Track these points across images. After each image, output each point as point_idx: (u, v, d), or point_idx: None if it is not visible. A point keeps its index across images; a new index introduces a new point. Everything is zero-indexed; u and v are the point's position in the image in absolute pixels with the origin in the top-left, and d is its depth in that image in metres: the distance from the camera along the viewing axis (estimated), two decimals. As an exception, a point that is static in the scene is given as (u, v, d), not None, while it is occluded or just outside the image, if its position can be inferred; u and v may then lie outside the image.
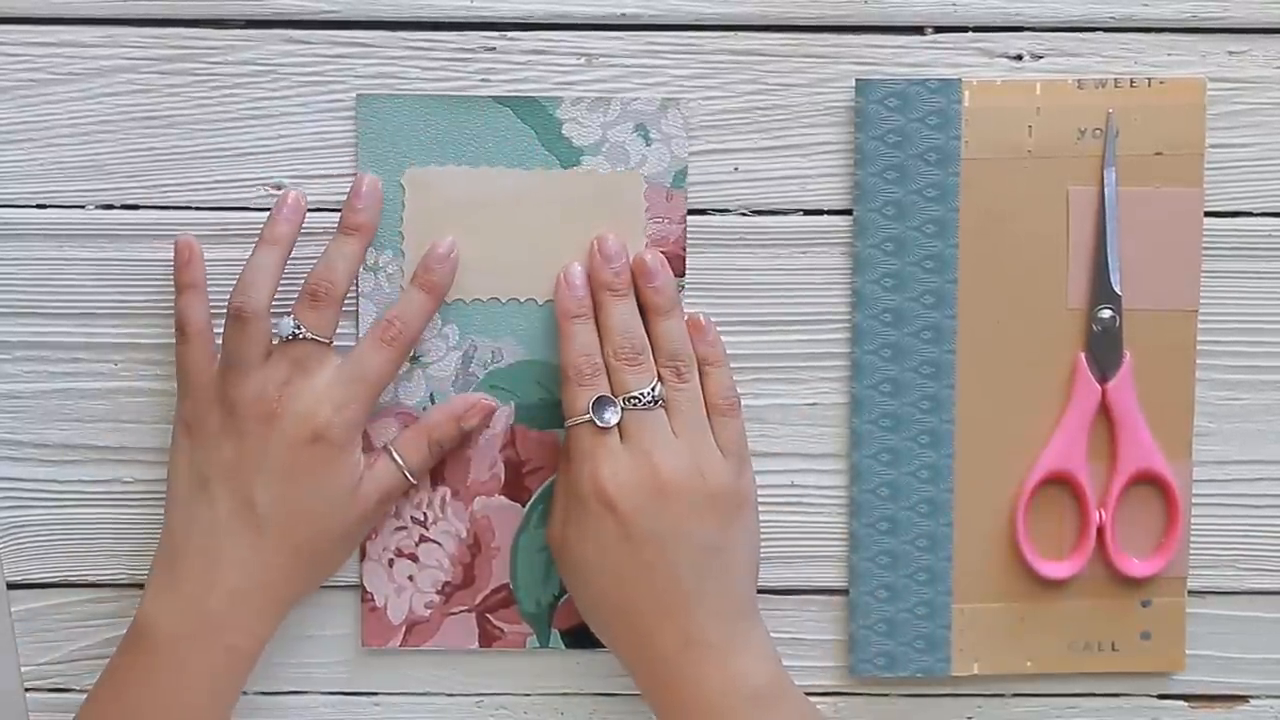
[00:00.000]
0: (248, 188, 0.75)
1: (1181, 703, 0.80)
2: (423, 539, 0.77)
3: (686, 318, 0.75)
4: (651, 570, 0.70)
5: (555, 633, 0.78)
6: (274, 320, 0.72)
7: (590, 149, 0.75)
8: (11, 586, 0.78)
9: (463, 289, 0.76)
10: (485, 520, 0.77)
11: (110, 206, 0.75)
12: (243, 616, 0.71)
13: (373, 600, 0.78)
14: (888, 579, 0.77)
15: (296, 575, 0.73)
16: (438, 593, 0.78)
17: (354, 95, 0.75)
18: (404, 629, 0.78)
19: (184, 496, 0.73)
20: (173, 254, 0.74)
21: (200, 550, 0.72)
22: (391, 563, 0.77)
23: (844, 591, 0.78)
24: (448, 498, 0.77)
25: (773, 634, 0.74)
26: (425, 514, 0.77)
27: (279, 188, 0.75)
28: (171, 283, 0.75)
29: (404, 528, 0.77)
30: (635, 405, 0.71)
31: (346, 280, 0.73)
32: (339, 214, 0.75)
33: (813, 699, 0.78)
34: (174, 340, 0.74)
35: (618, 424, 0.71)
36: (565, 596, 0.77)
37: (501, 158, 0.75)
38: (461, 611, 0.78)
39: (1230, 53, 0.75)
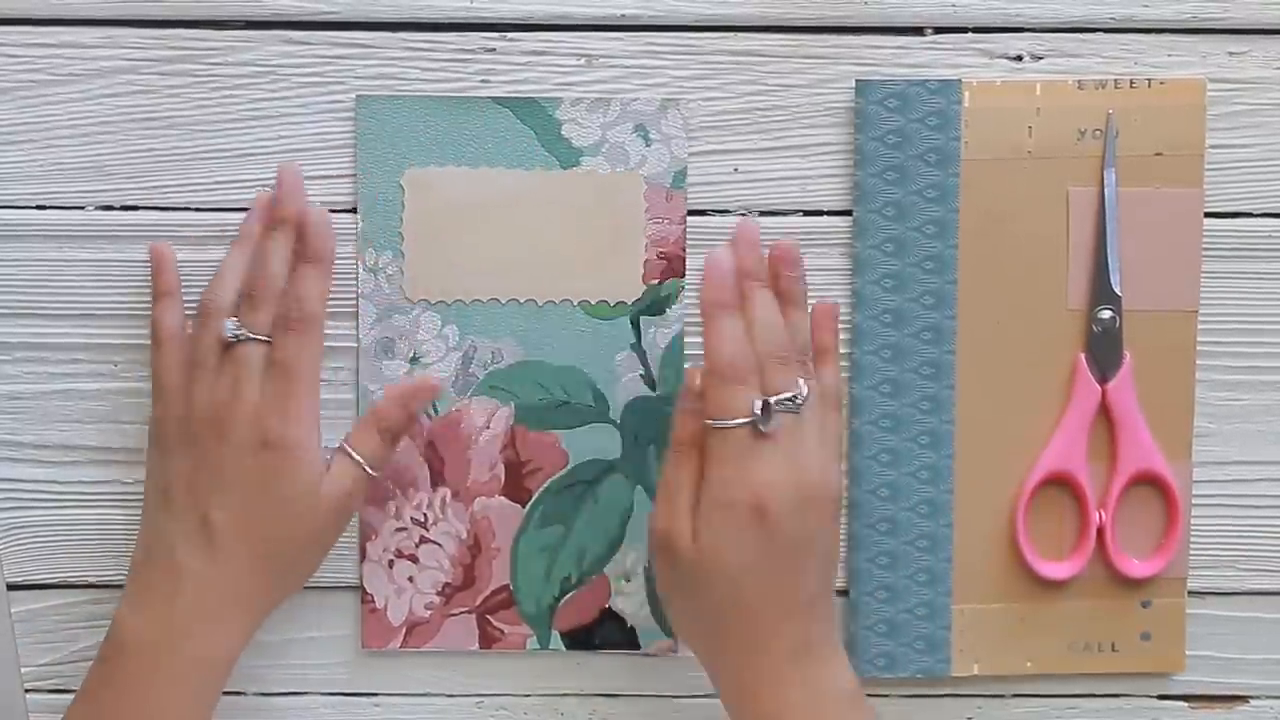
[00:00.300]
0: (248, 188, 0.75)
1: (1181, 703, 0.80)
2: (423, 540, 0.77)
3: (818, 304, 0.74)
4: (785, 575, 0.68)
5: (555, 634, 0.78)
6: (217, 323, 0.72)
7: (590, 150, 0.75)
8: (11, 587, 0.78)
9: (463, 290, 0.76)
10: (485, 521, 0.77)
11: (110, 207, 0.75)
12: (208, 627, 0.70)
13: (373, 601, 0.78)
14: (888, 580, 0.77)
15: (263, 584, 0.72)
16: (438, 594, 0.78)
17: (354, 96, 0.75)
18: (404, 630, 0.78)
19: (150, 506, 0.73)
20: (150, 259, 0.74)
21: (162, 561, 0.71)
22: (391, 564, 0.77)
23: (844, 592, 0.78)
24: (448, 499, 0.77)
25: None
26: (425, 515, 0.77)
27: (279, 188, 0.75)
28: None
29: (404, 529, 0.77)
30: (789, 407, 0.68)
31: (283, 277, 0.72)
32: (338, 214, 0.75)
33: (813, 699, 0.78)
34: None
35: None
36: (566, 597, 0.77)
37: (501, 158, 0.75)
38: (462, 613, 0.78)
39: (1230, 53, 0.75)
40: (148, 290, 0.76)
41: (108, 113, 0.75)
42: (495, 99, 0.75)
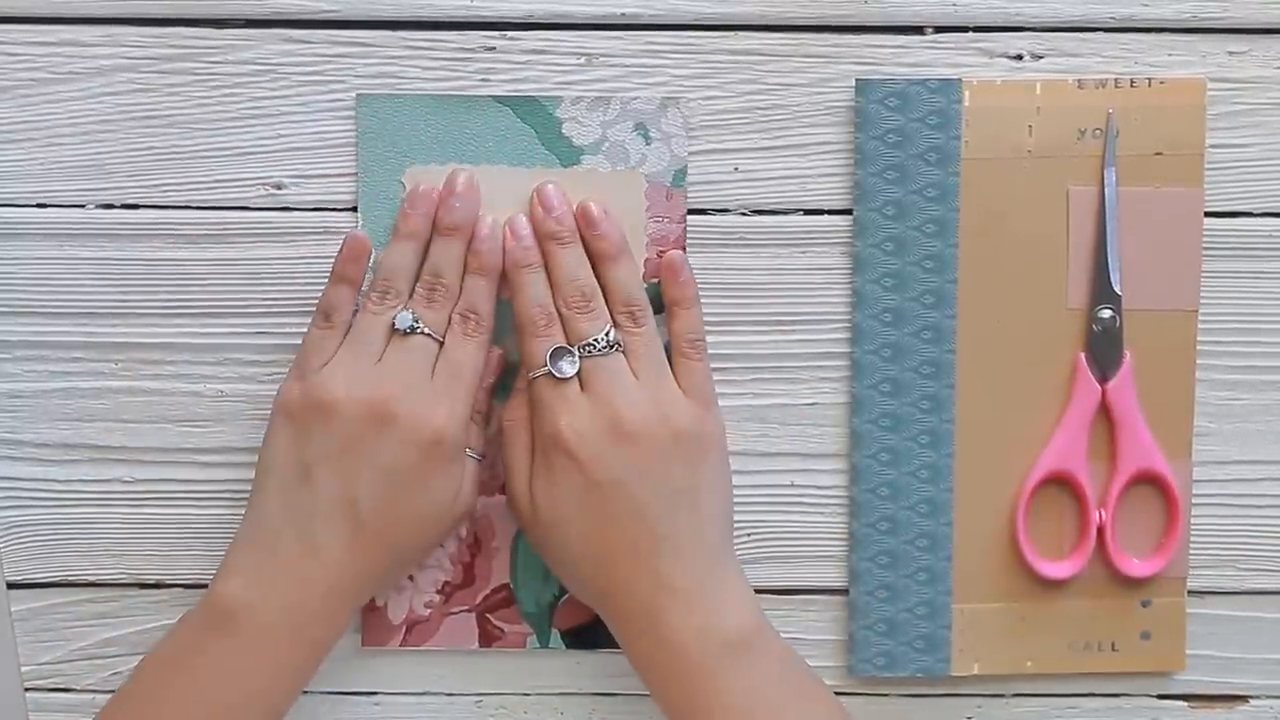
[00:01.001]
0: (248, 187, 0.75)
1: (1181, 703, 0.80)
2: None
3: (663, 257, 0.74)
4: (620, 517, 0.69)
5: (555, 633, 0.78)
6: (394, 312, 0.72)
7: (590, 148, 0.75)
8: (11, 586, 0.78)
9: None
10: (485, 520, 0.77)
11: (110, 206, 0.75)
12: (334, 612, 0.71)
13: (373, 600, 0.78)
14: (888, 579, 0.77)
15: (389, 573, 0.73)
16: (438, 592, 0.78)
17: (354, 95, 0.75)
18: (404, 629, 0.78)
19: (283, 483, 0.71)
20: (342, 244, 0.73)
21: (297, 541, 0.70)
22: None
23: (844, 591, 0.78)
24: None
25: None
26: None
27: (279, 187, 0.75)
28: (170, 280, 0.75)
29: None
30: (591, 352, 0.71)
31: (459, 280, 0.73)
32: (338, 213, 0.75)
33: (813, 699, 0.78)
34: (194, 340, 0.75)
35: (576, 374, 0.71)
36: (566, 596, 0.77)
37: (502, 157, 0.75)
38: (462, 611, 0.78)
39: (1230, 53, 0.75)
40: (148, 289, 0.76)
41: (108, 111, 0.75)
42: (496, 98, 0.75)
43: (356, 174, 0.75)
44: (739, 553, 0.76)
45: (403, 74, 0.75)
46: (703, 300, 0.76)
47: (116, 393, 0.77)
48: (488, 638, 0.78)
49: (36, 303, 0.76)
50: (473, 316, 0.72)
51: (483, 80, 0.75)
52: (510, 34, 0.75)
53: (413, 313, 0.72)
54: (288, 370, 0.74)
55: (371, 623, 0.78)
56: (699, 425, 0.72)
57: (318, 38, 0.74)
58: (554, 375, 0.71)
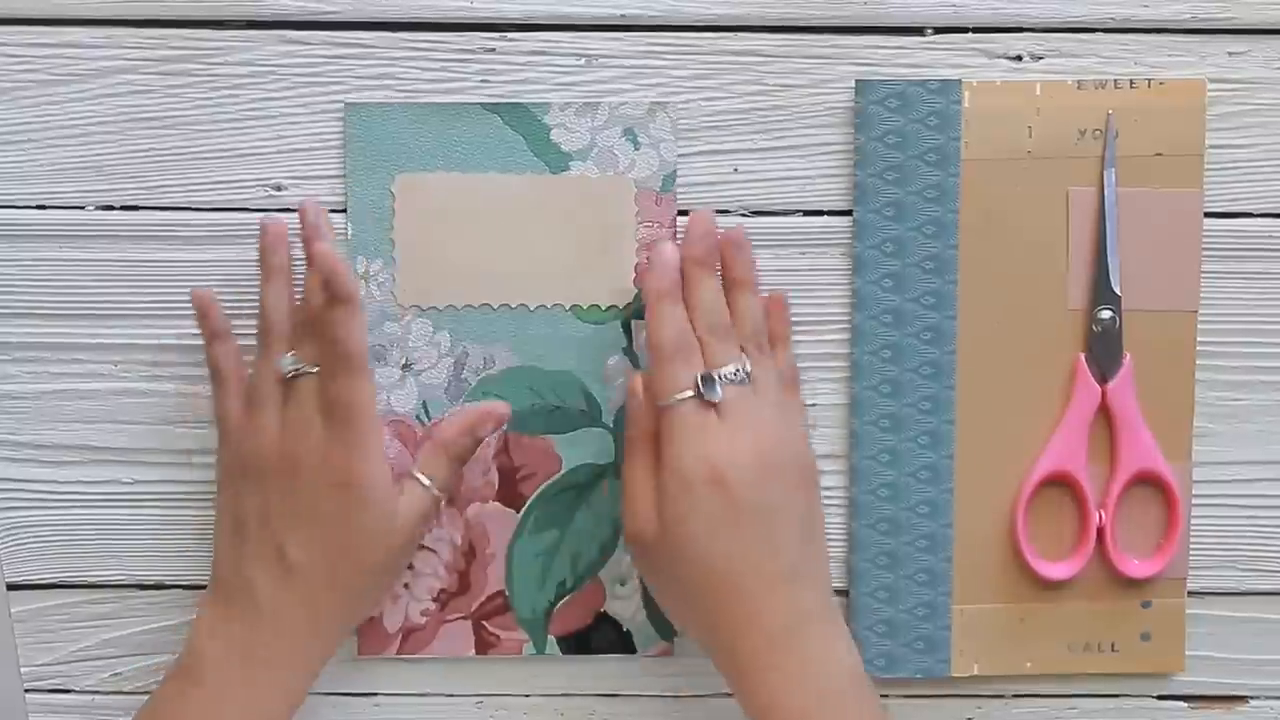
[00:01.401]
0: (247, 188, 0.75)
1: (1181, 703, 0.80)
2: (421, 546, 0.77)
3: (769, 295, 0.75)
4: (759, 545, 0.69)
5: (551, 639, 0.78)
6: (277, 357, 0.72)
7: (579, 154, 0.75)
8: (11, 587, 0.78)
9: (454, 295, 0.76)
10: (480, 527, 0.77)
11: (110, 207, 0.75)
12: (288, 655, 0.71)
13: None
14: (888, 580, 0.77)
15: (340, 611, 0.72)
16: (433, 600, 0.78)
17: (353, 95, 0.75)
18: (400, 637, 0.78)
19: (224, 539, 0.73)
20: (195, 307, 0.74)
21: (241, 592, 0.71)
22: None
23: (844, 592, 0.78)
24: (442, 505, 0.77)
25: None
26: None
27: (279, 188, 0.75)
28: (170, 281, 0.75)
29: None
30: (731, 381, 0.70)
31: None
32: (337, 214, 0.75)
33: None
34: (194, 340, 0.75)
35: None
36: (561, 602, 0.77)
37: (491, 164, 0.75)
38: (457, 619, 0.78)
39: (1230, 54, 0.75)
40: (147, 289, 0.76)
41: (107, 113, 0.75)
42: (484, 105, 0.75)
43: (345, 182, 0.75)
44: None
45: (402, 75, 0.75)
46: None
47: (116, 394, 0.77)
48: (484, 644, 0.78)
49: (36, 303, 0.76)
50: (337, 350, 0.69)
51: (482, 81, 0.75)
52: (510, 35, 0.75)
53: (292, 355, 0.71)
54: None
55: (367, 631, 0.78)
56: (813, 456, 0.73)
57: (317, 39, 0.74)
58: (698, 401, 0.69)
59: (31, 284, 0.76)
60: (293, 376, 0.71)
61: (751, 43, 0.75)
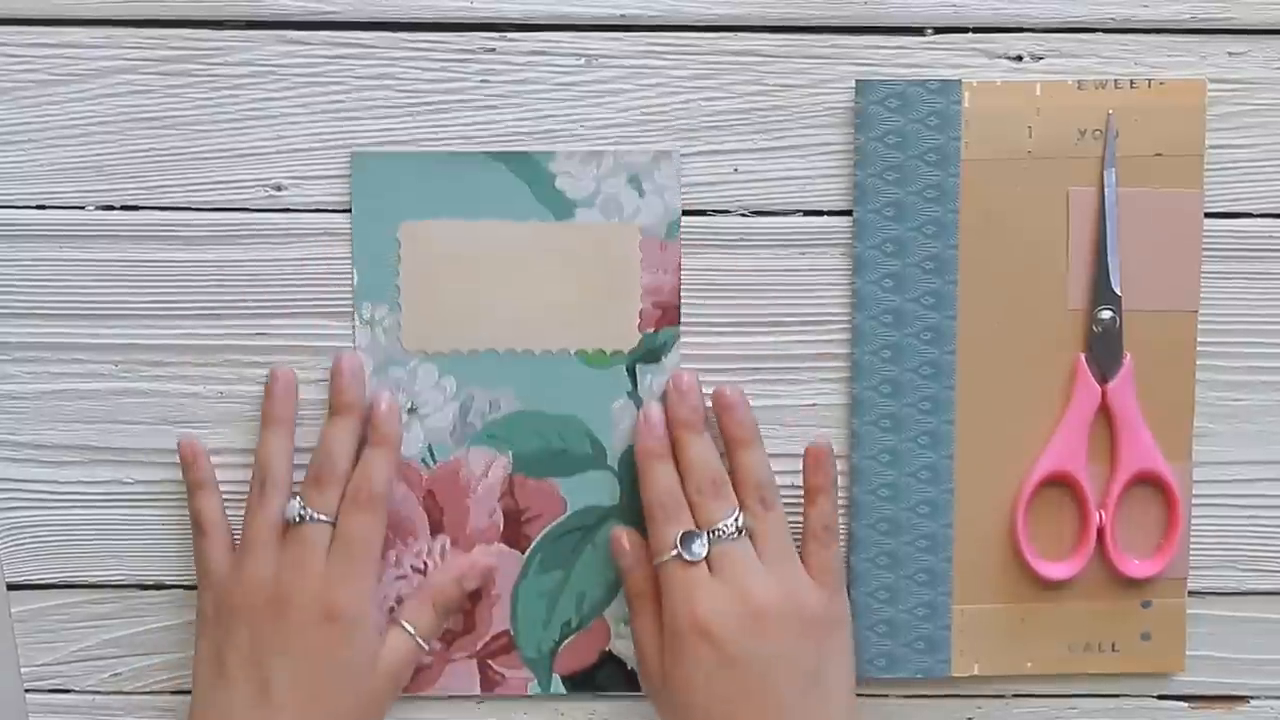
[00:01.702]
0: (248, 188, 0.75)
1: (1181, 703, 0.80)
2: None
3: (809, 447, 0.76)
4: (753, 696, 0.70)
5: (556, 677, 0.78)
6: (278, 503, 0.73)
7: (584, 201, 0.75)
8: (11, 587, 0.78)
9: (460, 340, 0.76)
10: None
11: (110, 207, 0.75)
12: None
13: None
14: (888, 580, 0.77)
15: None
16: (439, 639, 0.78)
17: (353, 95, 0.75)
18: None
19: (203, 679, 0.73)
20: (178, 454, 0.75)
21: (211, 700, 0.72)
22: (393, 610, 0.77)
23: (844, 592, 0.78)
24: (447, 546, 0.77)
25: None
26: (425, 562, 0.77)
27: (279, 188, 0.75)
28: (170, 281, 0.75)
29: (404, 576, 0.77)
30: (721, 537, 0.72)
31: (347, 459, 0.74)
32: (337, 214, 0.75)
33: (813, 700, 0.78)
34: (195, 340, 0.76)
35: (706, 557, 0.72)
36: (566, 641, 0.78)
37: (496, 211, 0.75)
38: (462, 658, 0.78)
39: (1230, 54, 0.75)
40: (148, 289, 0.76)
41: (108, 113, 0.75)
42: (489, 154, 0.75)
43: (351, 231, 0.75)
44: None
45: (402, 75, 0.74)
46: (703, 301, 0.76)
47: (117, 394, 0.77)
48: (489, 683, 0.78)
49: (36, 303, 0.76)
50: (365, 486, 0.73)
51: (483, 81, 0.75)
52: (510, 35, 0.75)
53: (299, 500, 0.73)
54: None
55: None
56: (826, 609, 0.73)
57: (317, 39, 0.74)
58: (683, 559, 0.72)
59: (31, 284, 0.76)
60: (297, 522, 0.73)
61: (751, 43, 0.75)
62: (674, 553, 0.72)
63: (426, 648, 0.75)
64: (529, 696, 0.79)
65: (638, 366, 0.77)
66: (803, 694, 0.71)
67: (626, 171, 0.75)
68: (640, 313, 0.76)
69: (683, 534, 0.72)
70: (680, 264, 0.76)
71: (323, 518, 0.72)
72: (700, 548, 0.72)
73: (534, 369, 0.76)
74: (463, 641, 0.78)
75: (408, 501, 0.77)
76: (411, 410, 0.76)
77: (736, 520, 0.73)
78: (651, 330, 0.76)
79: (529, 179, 0.75)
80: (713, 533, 0.72)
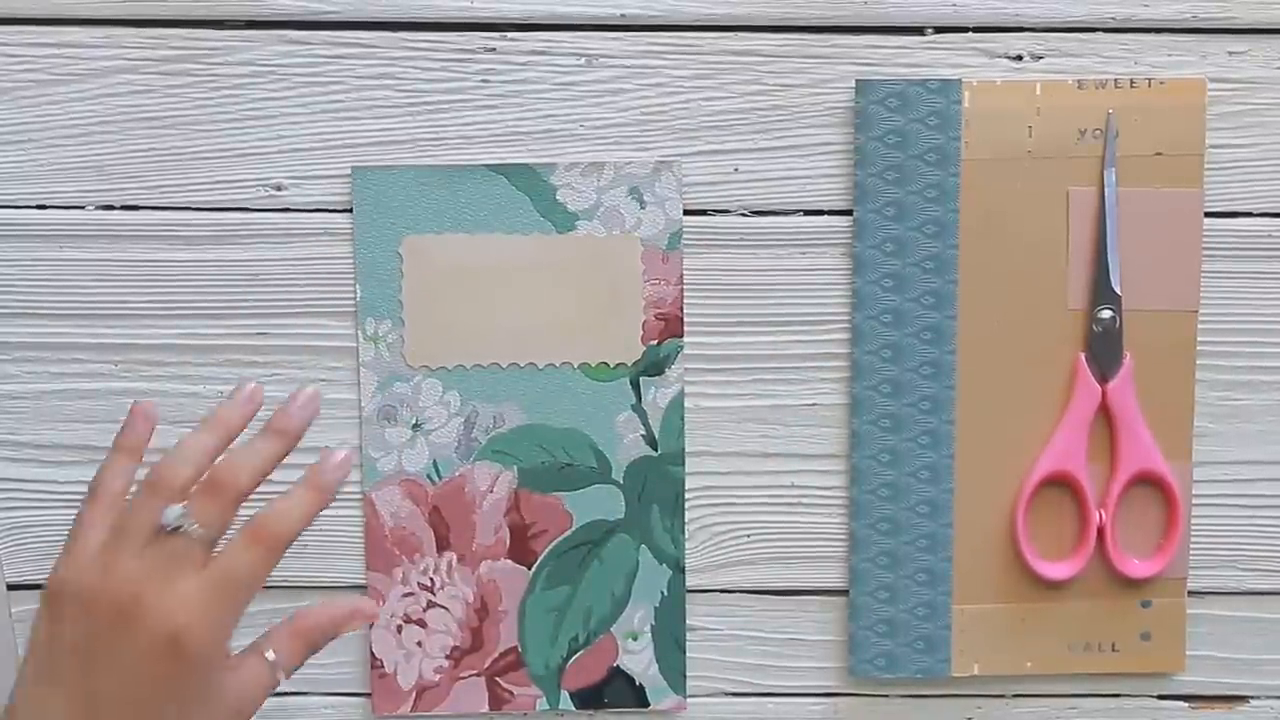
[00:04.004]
0: (248, 188, 0.75)
1: (1182, 703, 0.80)
2: (430, 604, 0.77)
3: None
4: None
5: (565, 694, 0.78)
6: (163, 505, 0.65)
7: (585, 214, 0.75)
8: (11, 587, 0.78)
9: (463, 355, 0.76)
10: (492, 584, 0.77)
11: (110, 207, 0.75)
12: None
13: (382, 666, 0.78)
14: (888, 580, 0.77)
15: None
16: (447, 657, 0.78)
17: (353, 95, 0.75)
18: (414, 694, 0.78)
19: (31, 671, 0.65)
20: (128, 415, 0.68)
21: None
22: (400, 629, 0.77)
23: (844, 592, 0.78)
24: (454, 563, 0.77)
25: (773, 634, 0.74)
26: (432, 580, 0.77)
27: (279, 188, 0.75)
28: (170, 281, 0.75)
29: (411, 594, 0.77)
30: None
31: (252, 483, 0.65)
32: (337, 214, 0.75)
33: (812, 699, 0.78)
34: (195, 340, 0.75)
35: None
36: (574, 657, 0.78)
37: (498, 224, 0.75)
38: (471, 675, 0.78)
39: (1230, 53, 0.75)
40: (148, 289, 0.76)
41: (108, 113, 0.75)
42: (490, 167, 0.75)
43: (353, 246, 0.75)
44: (739, 554, 0.76)
45: (402, 75, 0.75)
46: (704, 301, 0.76)
47: (116, 394, 0.76)
48: (497, 701, 0.78)
49: (36, 303, 0.76)
50: (271, 527, 0.64)
51: (483, 81, 0.75)
52: (510, 35, 0.75)
53: (184, 507, 0.64)
54: (290, 371, 0.75)
55: (381, 689, 0.78)
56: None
57: (317, 39, 0.74)
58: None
59: (31, 284, 0.76)
60: (172, 531, 0.64)
61: (751, 43, 0.75)
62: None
63: (284, 679, 0.66)
64: (537, 714, 0.79)
65: (641, 379, 0.77)
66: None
67: (627, 183, 0.75)
68: (643, 325, 0.76)
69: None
70: (683, 276, 0.76)
71: (202, 532, 0.63)
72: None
73: (538, 383, 0.76)
74: (471, 659, 0.78)
75: (414, 518, 0.77)
76: (416, 426, 0.76)
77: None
78: (655, 342, 0.76)
79: (530, 191, 0.75)
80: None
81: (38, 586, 0.78)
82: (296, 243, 0.75)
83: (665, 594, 0.78)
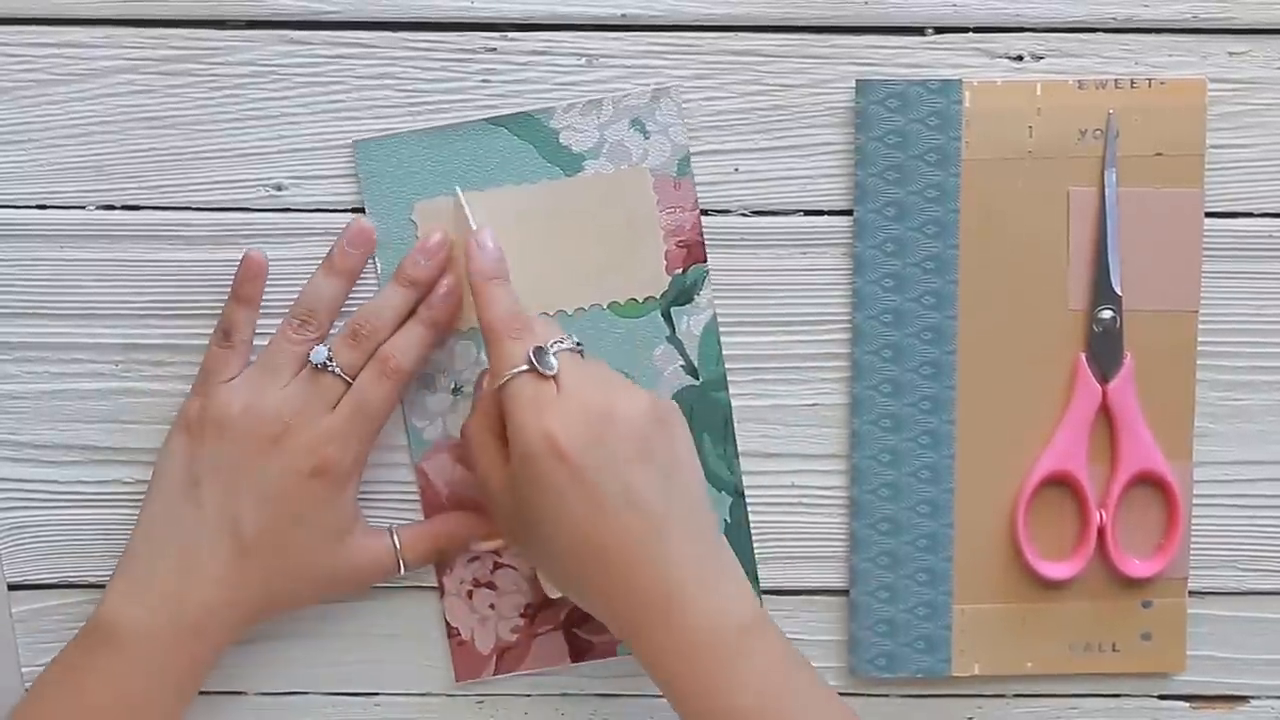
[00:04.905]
0: (248, 188, 0.75)
1: (1182, 703, 0.80)
2: (497, 565, 0.77)
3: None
4: (617, 507, 0.67)
5: None
6: (309, 343, 0.73)
7: (590, 152, 0.75)
8: (11, 587, 0.78)
9: None
10: None
11: (110, 207, 0.75)
12: (210, 629, 0.71)
13: (459, 634, 0.78)
14: (888, 579, 0.77)
15: (267, 600, 0.73)
16: (521, 615, 0.78)
17: (354, 95, 0.75)
18: (494, 657, 0.78)
19: (171, 493, 0.72)
20: (240, 263, 0.74)
21: (179, 554, 0.71)
22: (470, 594, 0.77)
23: (844, 592, 0.78)
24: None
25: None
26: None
27: (280, 188, 0.75)
28: (171, 281, 0.75)
29: (476, 559, 0.77)
30: (564, 348, 0.69)
31: (389, 327, 0.73)
32: (337, 214, 0.75)
33: (813, 699, 0.78)
34: (194, 340, 0.75)
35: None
36: None
37: (506, 176, 0.75)
38: (548, 630, 0.78)
39: (1231, 53, 0.75)
40: (148, 289, 0.76)
41: (108, 112, 0.75)
42: (489, 120, 0.75)
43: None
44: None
45: (403, 75, 0.74)
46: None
47: (116, 394, 0.76)
48: (578, 652, 0.78)
49: (36, 303, 0.76)
50: (395, 356, 0.72)
51: (483, 81, 0.75)
52: (510, 35, 0.75)
53: (329, 348, 0.72)
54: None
55: (461, 657, 0.78)
56: (658, 400, 0.70)
57: (318, 39, 0.74)
58: (536, 373, 0.67)
59: (31, 284, 0.76)
60: (320, 369, 0.72)
61: (751, 43, 0.75)
62: (523, 369, 0.68)
63: (402, 572, 0.75)
64: (537, 696, 0.79)
65: (672, 310, 0.76)
66: (665, 494, 0.67)
67: (628, 116, 0.75)
68: (665, 254, 0.76)
69: (535, 348, 0.68)
70: (697, 200, 0.75)
71: (344, 374, 0.72)
72: (555, 360, 0.68)
73: (570, 328, 0.75)
74: (546, 614, 0.78)
75: (468, 481, 0.77)
76: (456, 390, 0.76)
77: (571, 336, 0.70)
78: (680, 271, 0.76)
79: (533, 139, 0.75)
80: (554, 344, 0.68)
81: (38, 586, 0.78)
82: (297, 243, 0.75)
83: (729, 521, 0.77)
